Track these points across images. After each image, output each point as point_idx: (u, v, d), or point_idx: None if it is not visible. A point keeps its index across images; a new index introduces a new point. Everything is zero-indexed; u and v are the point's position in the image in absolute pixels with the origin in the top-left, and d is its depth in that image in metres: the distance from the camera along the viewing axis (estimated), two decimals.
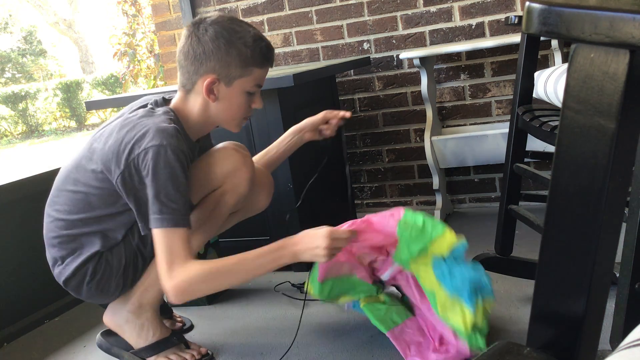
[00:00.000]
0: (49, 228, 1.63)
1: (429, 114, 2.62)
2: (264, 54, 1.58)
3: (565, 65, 1.31)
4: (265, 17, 2.99)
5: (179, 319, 1.89)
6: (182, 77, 1.61)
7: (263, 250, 1.48)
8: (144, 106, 1.63)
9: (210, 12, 1.62)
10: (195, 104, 1.61)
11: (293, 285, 2.16)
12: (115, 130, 1.56)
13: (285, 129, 2.17)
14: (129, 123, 1.55)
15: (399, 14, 2.77)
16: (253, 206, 1.85)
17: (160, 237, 1.46)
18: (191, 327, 1.87)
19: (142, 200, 1.51)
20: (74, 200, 1.59)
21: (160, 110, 1.59)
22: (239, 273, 1.49)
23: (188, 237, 1.48)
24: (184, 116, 1.61)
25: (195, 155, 1.68)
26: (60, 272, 1.62)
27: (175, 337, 1.71)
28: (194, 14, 3.09)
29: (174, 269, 1.43)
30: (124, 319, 1.67)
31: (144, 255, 1.61)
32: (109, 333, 1.75)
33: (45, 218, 1.65)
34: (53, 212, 1.63)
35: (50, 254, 1.64)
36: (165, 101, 1.65)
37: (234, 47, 1.53)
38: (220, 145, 1.71)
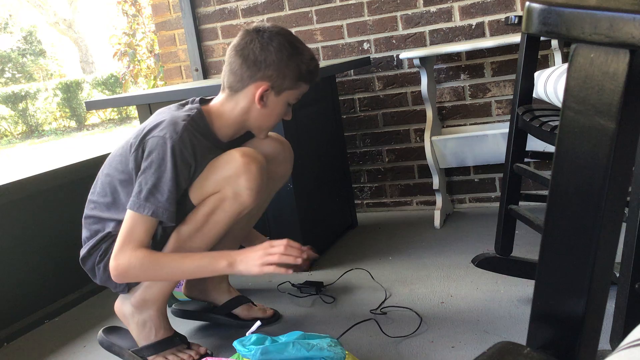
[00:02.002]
0: (85, 211, 1.71)
1: (429, 114, 2.62)
2: (314, 73, 1.69)
3: (565, 65, 1.31)
4: (265, 17, 2.99)
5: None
6: (232, 78, 1.65)
7: (203, 255, 1.57)
8: (182, 102, 1.71)
9: (266, 23, 1.71)
10: (237, 106, 1.66)
11: (293, 285, 2.16)
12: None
13: (285, 129, 2.17)
14: (156, 113, 1.66)
15: (399, 14, 2.77)
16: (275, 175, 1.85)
17: (128, 217, 1.53)
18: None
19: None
20: (104, 183, 1.66)
21: (188, 106, 1.66)
22: (175, 271, 1.56)
23: (153, 227, 1.54)
24: (218, 116, 1.66)
25: (217, 154, 1.69)
26: (81, 253, 1.67)
27: (177, 337, 1.72)
28: (194, 14, 3.09)
29: (123, 251, 1.51)
30: (130, 313, 1.68)
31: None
32: (110, 330, 1.75)
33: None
34: (89, 195, 1.71)
35: (82, 236, 1.71)
36: (203, 101, 1.70)
37: (294, 61, 1.62)
38: (232, 149, 1.67)
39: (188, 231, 1.61)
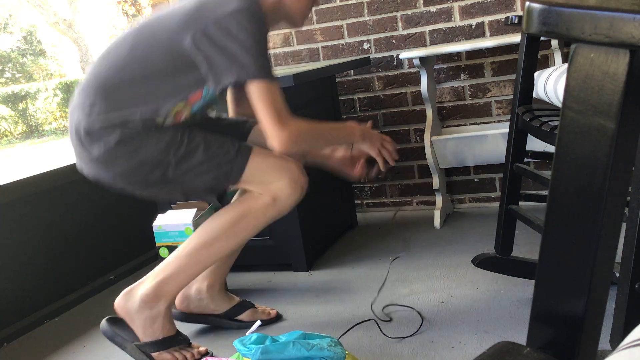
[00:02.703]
0: (89, 79, 1.61)
1: (429, 114, 2.62)
2: None
3: (565, 65, 1.31)
4: None
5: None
6: None
7: (338, 126, 1.75)
8: None
9: None
10: None
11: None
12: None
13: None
14: None
15: (399, 14, 2.77)
16: None
17: (262, 88, 1.49)
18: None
19: (216, 60, 1.50)
20: (131, 53, 1.58)
21: None
22: (327, 136, 1.69)
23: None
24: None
25: None
26: (86, 119, 1.56)
27: (181, 336, 1.72)
28: None
29: (285, 119, 1.50)
30: (136, 308, 1.64)
31: (165, 174, 1.57)
32: (114, 321, 1.73)
33: (87, 75, 1.63)
34: (101, 66, 1.60)
35: (79, 98, 1.60)
36: None
37: None
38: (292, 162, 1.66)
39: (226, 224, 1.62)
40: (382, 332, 1.73)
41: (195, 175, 1.59)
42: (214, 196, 1.73)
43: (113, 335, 1.70)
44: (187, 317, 1.92)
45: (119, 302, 1.69)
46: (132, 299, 1.66)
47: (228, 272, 1.93)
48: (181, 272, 1.64)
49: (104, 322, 1.73)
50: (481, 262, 1.90)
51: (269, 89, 1.49)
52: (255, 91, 1.48)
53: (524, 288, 1.88)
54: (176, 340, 1.69)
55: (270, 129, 1.49)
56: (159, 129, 1.58)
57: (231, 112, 1.87)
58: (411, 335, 1.70)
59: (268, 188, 1.61)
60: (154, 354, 1.66)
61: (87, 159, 1.60)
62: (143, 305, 1.64)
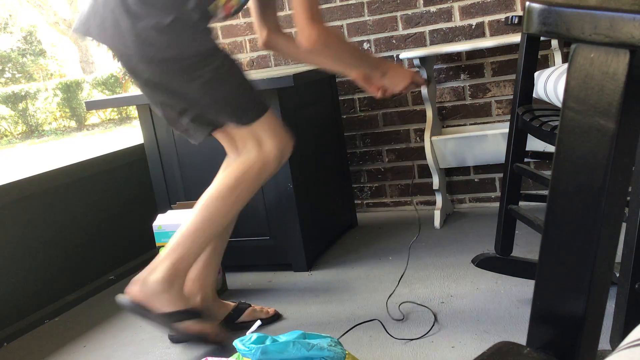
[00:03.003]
0: None
1: (429, 114, 2.62)
2: None
3: (565, 65, 1.31)
4: None
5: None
6: None
7: (367, 55, 1.84)
8: None
9: None
10: None
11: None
12: None
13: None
14: None
15: (399, 14, 2.77)
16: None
17: None
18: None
19: None
20: None
21: None
22: (351, 53, 1.70)
23: None
24: None
25: None
26: None
27: (205, 312, 1.75)
28: None
29: (318, 20, 1.56)
30: (157, 289, 1.63)
31: (188, 84, 1.58)
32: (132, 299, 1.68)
33: None
34: None
35: None
36: None
37: None
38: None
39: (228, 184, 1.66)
40: (388, 333, 1.73)
41: (215, 100, 1.63)
42: (206, 131, 1.74)
43: (135, 307, 1.65)
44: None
45: (134, 289, 1.64)
46: (148, 284, 1.63)
47: (216, 278, 1.92)
48: (192, 250, 1.67)
49: (122, 297, 1.67)
50: (481, 262, 1.90)
51: None
52: None
53: (524, 288, 1.88)
54: (202, 313, 1.72)
55: (303, 25, 1.55)
56: (208, 31, 1.61)
57: (255, 18, 1.85)
58: (420, 338, 1.70)
59: (261, 145, 1.66)
60: (178, 324, 1.66)
61: (124, 27, 1.55)
62: (164, 286, 1.63)
